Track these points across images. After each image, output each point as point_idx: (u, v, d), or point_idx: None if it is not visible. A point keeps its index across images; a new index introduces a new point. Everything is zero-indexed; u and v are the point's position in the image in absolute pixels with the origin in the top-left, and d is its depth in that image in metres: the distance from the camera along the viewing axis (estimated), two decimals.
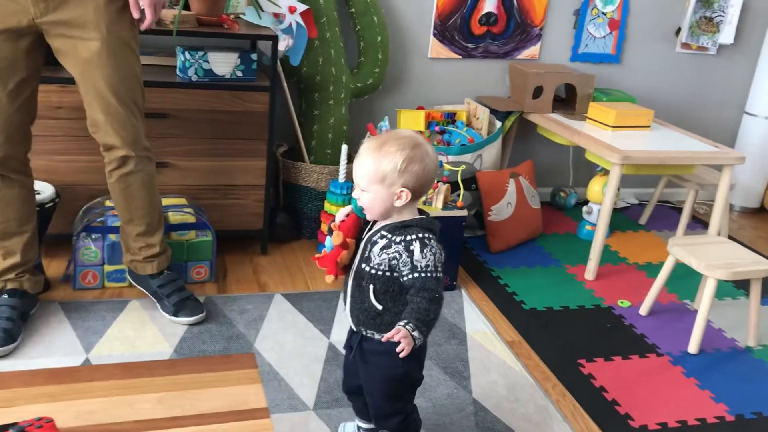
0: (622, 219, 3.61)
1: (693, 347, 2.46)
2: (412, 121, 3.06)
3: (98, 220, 2.41)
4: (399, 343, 1.47)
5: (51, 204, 2.35)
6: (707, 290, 2.42)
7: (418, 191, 1.55)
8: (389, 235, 1.55)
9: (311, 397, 2.02)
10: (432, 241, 1.54)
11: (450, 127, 3.16)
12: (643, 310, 2.69)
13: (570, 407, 2.14)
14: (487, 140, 3.08)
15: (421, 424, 1.76)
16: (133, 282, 2.40)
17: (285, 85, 2.87)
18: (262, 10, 2.65)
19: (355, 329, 1.65)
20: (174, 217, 2.49)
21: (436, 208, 2.61)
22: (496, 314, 2.61)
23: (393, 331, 1.48)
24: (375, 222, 1.60)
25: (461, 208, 2.65)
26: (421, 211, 1.61)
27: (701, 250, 2.51)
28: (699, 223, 3.67)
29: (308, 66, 2.90)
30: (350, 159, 2.94)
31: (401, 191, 1.52)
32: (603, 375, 2.30)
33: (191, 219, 2.50)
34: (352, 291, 1.61)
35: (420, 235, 1.52)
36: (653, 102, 3.62)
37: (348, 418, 1.93)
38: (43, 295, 2.34)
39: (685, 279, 2.89)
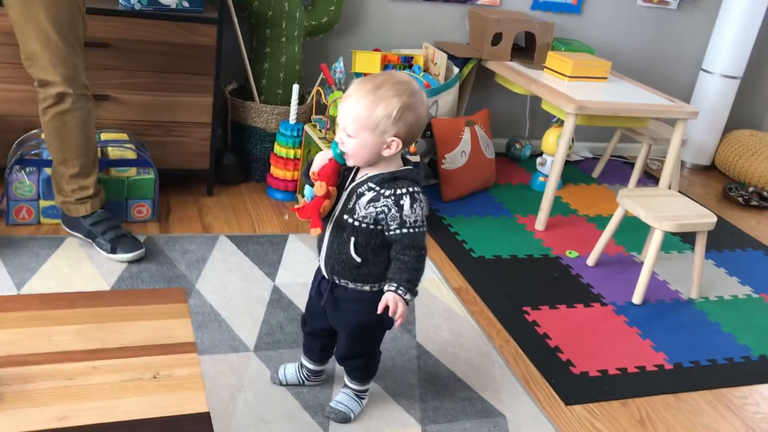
0: (576, 172, 3.61)
1: (637, 298, 2.49)
2: (368, 63, 2.98)
3: (33, 152, 2.29)
4: (373, 292, 1.51)
5: None
6: (653, 242, 2.44)
7: (408, 141, 1.47)
8: (377, 188, 1.48)
9: (252, 339, 1.99)
10: (421, 195, 1.49)
11: (407, 72, 3.08)
12: (591, 260, 2.70)
13: (513, 353, 2.15)
14: (444, 86, 3.02)
15: (377, 368, 1.77)
16: (65, 227, 2.30)
17: (235, 19, 2.75)
18: None
19: (327, 277, 1.60)
20: (114, 152, 2.38)
21: None
22: (445, 262, 2.59)
23: (385, 301, 1.47)
24: (357, 169, 1.52)
25: (414, 154, 2.60)
26: (405, 161, 1.54)
27: (650, 202, 2.52)
28: (651, 178, 3.69)
29: (260, 0, 2.78)
30: (302, 100, 2.86)
31: (392, 140, 1.44)
32: (547, 323, 2.31)
33: (132, 155, 2.40)
34: (330, 241, 1.55)
35: (410, 189, 1.47)
36: (612, 54, 3.59)
37: (288, 359, 1.90)
38: None
39: (634, 232, 2.91)
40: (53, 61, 1.98)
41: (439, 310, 2.28)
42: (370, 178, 1.49)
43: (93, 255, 2.24)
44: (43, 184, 2.30)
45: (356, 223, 1.50)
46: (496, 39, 3.21)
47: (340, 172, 1.54)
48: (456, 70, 3.13)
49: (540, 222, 2.93)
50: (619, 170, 3.72)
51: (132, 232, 2.31)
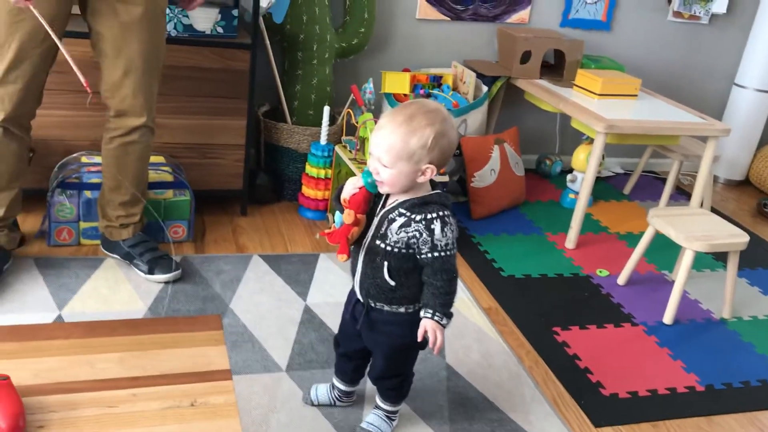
0: (606, 188, 3.60)
1: (668, 318, 2.48)
2: (398, 84, 3.02)
3: (74, 176, 2.37)
4: (408, 313, 1.57)
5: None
6: (684, 261, 2.43)
7: (440, 166, 1.51)
8: (408, 213, 1.51)
9: (284, 359, 2.03)
10: (450, 218, 1.51)
11: (435, 91, 3.12)
12: (621, 279, 2.69)
13: (542, 374, 2.15)
14: (472, 105, 3.04)
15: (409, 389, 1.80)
16: (103, 249, 2.38)
17: (268, 43, 2.82)
18: None
19: (362, 300, 1.64)
20: (151, 176, 2.45)
21: None
22: (474, 281, 2.61)
23: (423, 328, 1.53)
24: (387, 196, 1.56)
25: (443, 174, 2.62)
26: (433, 184, 1.57)
27: (680, 222, 2.51)
28: (683, 194, 3.67)
29: (292, 24, 2.84)
30: (332, 121, 2.91)
31: (427, 168, 1.47)
32: (577, 343, 2.31)
33: (169, 178, 2.47)
34: (363, 266, 1.58)
35: (440, 213, 1.50)
36: (643, 70, 3.59)
37: (320, 379, 1.94)
38: (18, 250, 2.32)
39: (665, 250, 2.89)
40: (135, 92, 2.08)
41: (468, 330, 2.30)
42: (401, 204, 1.53)
43: (131, 276, 2.31)
44: (83, 206, 2.38)
45: (389, 248, 1.53)
46: (525, 57, 3.23)
47: (371, 199, 1.58)
48: (485, 88, 3.15)
49: (570, 240, 2.93)
50: (650, 186, 3.70)
51: (169, 253, 2.38)
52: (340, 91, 3.10)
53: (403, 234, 1.51)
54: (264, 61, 2.82)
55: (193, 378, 1.16)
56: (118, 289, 2.24)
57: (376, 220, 1.56)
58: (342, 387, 1.84)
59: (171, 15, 2.42)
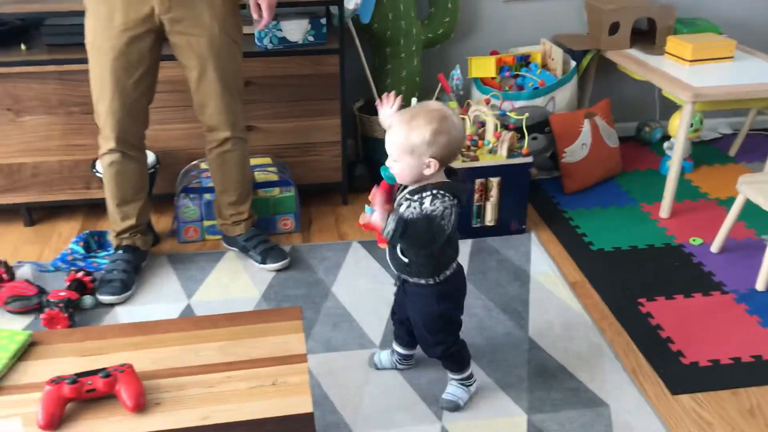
0: (710, 151, 3.53)
1: (761, 284, 2.47)
2: (483, 68, 3.14)
3: (195, 181, 2.72)
4: (429, 285, 1.76)
5: (153, 170, 2.67)
6: None
7: (445, 159, 1.69)
8: (409, 196, 1.72)
9: (378, 337, 2.27)
10: (445, 198, 1.68)
11: (523, 71, 3.20)
12: (714, 247, 2.70)
13: (623, 345, 2.25)
14: (559, 82, 3.10)
15: (467, 356, 1.97)
16: (224, 243, 2.72)
17: (357, 42, 3.03)
18: None
19: (396, 273, 1.88)
20: (260, 176, 2.76)
21: (501, 156, 2.71)
22: (563, 256, 2.71)
23: (365, 217, 1.66)
24: (405, 187, 1.77)
25: (526, 155, 2.74)
26: (450, 173, 1.75)
27: None
28: None
29: (378, 22, 3.03)
30: None
31: (429, 161, 1.66)
32: (661, 313, 2.38)
33: (275, 177, 2.77)
34: (388, 246, 1.82)
35: (433, 192, 1.68)
36: (743, 29, 3.45)
37: None
38: (153, 248, 2.70)
39: (766, 214, 2.84)
40: (220, 110, 2.37)
41: (552, 304, 2.43)
42: (407, 192, 1.74)
43: (247, 266, 2.63)
44: (204, 207, 2.72)
45: None
46: (614, 28, 3.23)
47: (393, 191, 1.79)
48: (573, 64, 3.19)
49: (664, 209, 2.94)
50: (760, 146, 3.57)
51: (279, 244, 2.68)
52: (430, 78, 3.26)
53: (406, 214, 1.70)
54: (355, 59, 3.03)
55: (275, 362, 1.42)
56: (236, 278, 2.57)
57: (393, 208, 1.77)
58: (401, 350, 2.07)
59: (267, 30, 2.69)
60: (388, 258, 1.86)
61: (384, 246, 1.81)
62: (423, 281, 1.81)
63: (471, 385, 2.00)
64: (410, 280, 1.84)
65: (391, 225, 1.62)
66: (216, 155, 2.48)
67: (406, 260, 1.79)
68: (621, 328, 2.32)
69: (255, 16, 2.30)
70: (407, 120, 1.67)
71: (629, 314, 2.38)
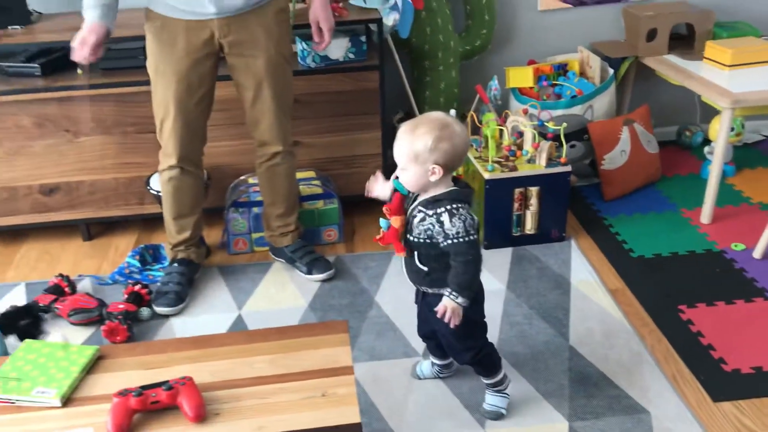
0: (753, 154, 3.51)
1: None
2: (521, 78, 3.19)
3: (243, 196, 2.83)
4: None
5: (204, 187, 2.79)
6: None
7: (449, 166, 1.76)
8: (424, 209, 1.78)
9: (421, 345, 2.33)
10: (460, 209, 1.75)
11: (560, 80, 3.24)
12: (757, 253, 2.69)
13: (664, 352, 2.28)
14: (597, 90, 3.13)
15: (497, 359, 2.03)
16: (272, 254, 2.83)
17: (396, 57, 3.11)
18: None
19: (413, 286, 1.95)
20: (305, 190, 2.86)
21: (540, 165, 2.76)
22: (603, 263, 2.74)
23: (440, 306, 1.79)
24: (417, 196, 1.83)
25: (565, 164, 2.78)
26: (456, 181, 1.82)
27: None
28: None
29: (417, 36, 3.11)
30: (462, 119, 3.13)
31: (433, 167, 1.73)
32: (702, 320, 2.39)
33: (318, 190, 2.86)
34: (404, 257, 1.88)
35: (448, 207, 1.75)
36: None
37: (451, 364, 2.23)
38: (205, 261, 2.82)
39: None
40: (272, 127, 2.48)
41: (593, 312, 2.47)
42: (420, 203, 1.80)
43: (294, 276, 2.73)
44: (252, 220, 2.83)
45: (415, 240, 1.81)
46: (651, 34, 3.24)
47: (406, 201, 1.85)
48: (611, 71, 3.22)
49: (705, 215, 2.95)
50: None
51: (324, 255, 2.77)
52: (467, 90, 3.32)
53: (422, 227, 1.78)
54: (394, 73, 3.11)
55: (324, 374, 1.50)
56: (284, 289, 2.67)
57: (406, 218, 1.84)
58: (438, 362, 2.14)
59: (309, 50, 2.78)
60: (405, 271, 1.92)
61: (402, 254, 1.87)
62: (442, 291, 1.85)
63: (506, 389, 2.05)
64: (430, 291, 1.89)
65: (460, 300, 1.77)
66: (266, 169, 2.59)
67: (426, 269, 1.84)
68: (661, 335, 2.35)
69: (316, 38, 2.42)
70: (410, 129, 1.75)
71: (670, 321, 2.40)
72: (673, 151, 3.56)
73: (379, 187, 1.96)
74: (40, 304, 2.47)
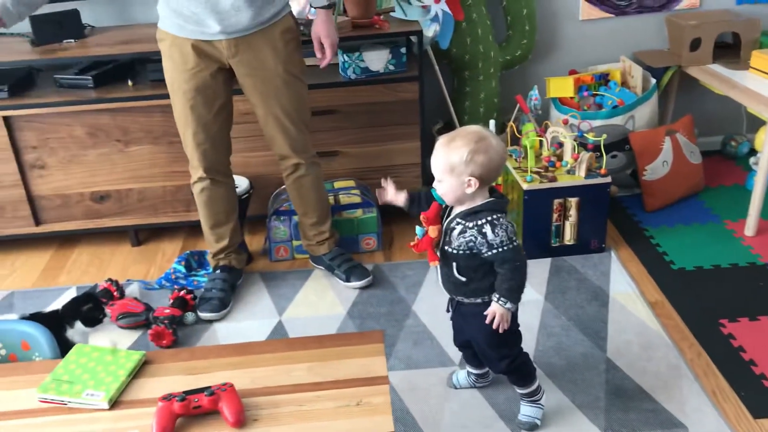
0: None
1: None
2: (561, 88, 3.19)
3: (284, 205, 2.90)
4: (485, 303, 1.85)
5: (246, 195, 2.87)
6: None
7: (485, 178, 1.78)
8: (463, 222, 1.80)
9: (457, 355, 2.35)
10: (500, 219, 1.78)
11: (601, 91, 3.23)
12: None
13: (703, 366, 2.26)
14: (639, 100, 3.11)
15: (532, 368, 2.04)
16: (311, 262, 2.89)
17: (437, 67, 3.14)
18: (409, 4, 2.93)
19: (449, 296, 1.97)
20: (344, 199, 2.91)
21: (580, 176, 2.76)
22: (643, 275, 2.72)
23: (489, 311, 1.82)
24: (452, 208, 1.86)
25: (605, 176, 2.77)
26: (492, 192, 1.84)
27: None
28: None
29: (457, 47, 3.14)
30: (498, 132, 3.15)
31: (469, 180, 1.76)
32: (744, 335, 2.36)
33: (357, 199, 2.91)
34: (441, 267, 1.91)
35: (489, 218, 1.77)
36: None
37: None
38: (248, 267, 2.90)
39: None
40: (287, 141, 2.53)
41: (631, 324, 2.45)
42: (458, 215, 1.82)
43: (333, 283, 2.78)
44: (293, 228, 2.90)
45: (454, 251, 1.83)
46: (695, 44, 3.21)
47: (442, 211, 1.88)
48: (653, 81, 3.19)
49: (749, 227, 2.90)
50: None
51: (362, 263, 2.82)
52: (508, 100, 3.33)
53: (462, 239, 1.80)
54: (434, 83, 3.14)
55: (360, 383, 1.54)
56: (323, 296, 2.72)
57: (443, 230, 1.86)
58: (474, 371, 2.16)
59: (350, 61, 2.84)
60: (440, 281, 1.94)
61: (435, 264, 1.90)
62: (479, 300, 1.89)
63: (541, 399, 2.06)
64: (465, 301, 1.91)
65: (509, 305, 1.81)
66: (292, 181, 2.64)
67: (463, 279, 1.86)
68: (701, 349, 2.32)
69: (318, 55, 2.46)
70: (447, 142, 1.78)
71: (710, 335, 2.38)
72: (717, 161, 3.51)
73: (389, 195, 1.98)
74: (100, 290, 2.61)
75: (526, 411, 2.05)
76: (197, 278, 2.84)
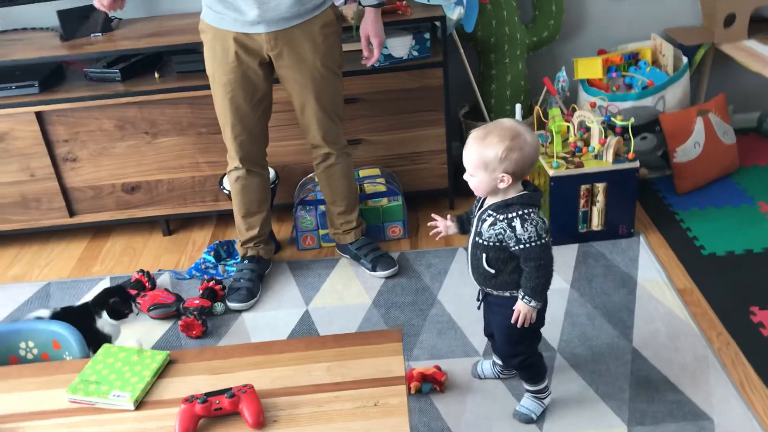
0: None
1: None
2: (590, 69, 3.12)
3: (310, 194, 2.92)
4: (513, 297, 1.86)
5: (273, 185, 2.89)
6: None
7: (519, 174, 1.77)
8: (495, 214, 1.80)
9: (482, 345, 2.37)
10: (532, 214, 1.77)
11: (632, 70, 3.15)
12: None
13: (731, 356, 2.22)
14: (670, 80, 3.04)
15: (543, 369, 2.04)
16: (338, 251, 2.91)
17: (461, 50, 3.10)
18: None
19: (478, 286, 1.97)
20: (369, 188, 2.92)
21: (607, 161, 2.71)
22: (672, 261, 2.68)
23: (515, 309, 1.83)
24: (485, 199, 1.85)
25: (633, 160, 2.72)
26: (527, 185, 1.82)
27: None
28: None
29: (482, 30, 3.09)
30: (525, 115, 3.11)
31: (503, 176, 1.75)
32: None
33: (383, 188, 2.91)
34: (471, 258, 1.91)
35: (520, 212, 1.77)
36: None
37: None
38: (276, 256, 2.93)
39: None
40: (321, 132, 2.54)
41: (659, 313, 2.43)
42: (490, 206, 1.82)
43: (359, 273, 2.80)
44: (319, 217, 2.92)
45: (484, 243, 1.83)
46: (730, 19, 3.11)
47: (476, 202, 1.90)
48: (685, 60, 3.11)
49: None
50: None
51: (388, 251, 2.83)
52: (536, 82, 3.28)
53: (492, 231, 1.80)
54: (460, 66, 3.11)
55: (377, 383, 1.56)
56: (349, 285, 2.75)
57: (474, 220, 1.86)
58: (499, 361, 2.17)
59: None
60: (470, 272, 1.94)
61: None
62: (507, 293, 1.88)
63: (545, 398, 2.07)
64: (494, 293, 1.92)
65: (534, 303, 1.82)
66: (323, 170, 2.66)
67: (492, 271, 1.86)
68: (730, 338, 2.29)
69: (366, 53, 2.46)
70: (481, 137, 1.76)
71: (739, 323, 2.34)
72: (753, 139, 3.41)
73: (444, 232, 2.01)
74: (132, 281, 2.71)
75: (527, 404, 2.06)
76: (227, 267, 2.88)
